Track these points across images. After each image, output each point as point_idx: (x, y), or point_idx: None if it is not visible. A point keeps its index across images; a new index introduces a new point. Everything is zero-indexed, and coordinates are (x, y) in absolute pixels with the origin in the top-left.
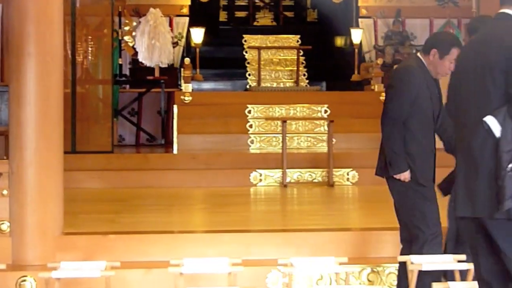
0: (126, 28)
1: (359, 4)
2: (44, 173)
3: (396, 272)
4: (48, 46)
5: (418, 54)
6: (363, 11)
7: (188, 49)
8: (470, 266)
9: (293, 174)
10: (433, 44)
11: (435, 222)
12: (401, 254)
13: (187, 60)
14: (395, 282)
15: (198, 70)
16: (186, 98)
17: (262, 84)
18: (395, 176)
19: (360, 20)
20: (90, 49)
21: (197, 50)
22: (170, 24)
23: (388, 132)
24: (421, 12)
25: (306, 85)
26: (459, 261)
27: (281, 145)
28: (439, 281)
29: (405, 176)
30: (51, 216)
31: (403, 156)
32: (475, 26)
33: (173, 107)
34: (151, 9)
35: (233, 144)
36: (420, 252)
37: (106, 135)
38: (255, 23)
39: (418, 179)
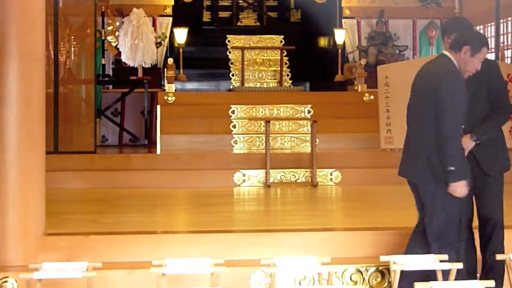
0: (109, 28)
1: (343, 4)
2: (26, 173)
3: (378, 272)
4: (30, 47)
5: (446, 52)
6: (347, 12)
7: (172, 49)
8: (452, 266)
9: (276, 174)
10: (466, 41)
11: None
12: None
13: (170, 60)
14: (377, 282)
15: (181, 70)
16: (170, 98)
17: (246, 85)
18: (455, 183)
19: (343, 20)
20: (73, 49)
21: (181, 50)
22: (154, 24)
23: (454, 146)
24: (404, 12)
25: (289, 86)
26: (441, 261)
27: (264, 145)
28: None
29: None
30: (33, 216)
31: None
32: (449, 28)
33: (156, 107)
34: (134, 9)
35: (216, 145)
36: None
37: (89, 135)
38: (238, 24)
39: None
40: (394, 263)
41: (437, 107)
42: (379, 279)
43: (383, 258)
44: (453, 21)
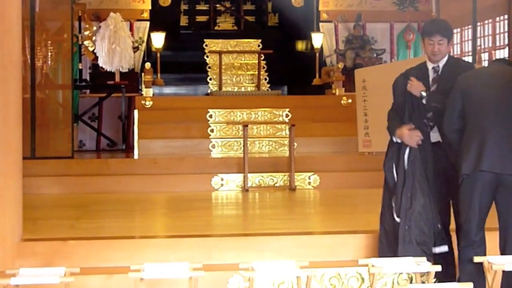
0: (86, 32)
1: (320, 8)
2: (3, 179)
3: (357, 275)
4: (6, 51)
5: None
6: (324, 16)
7: (149, 54)
8: (430, 269)
9: (254, 179)
10: None
11: None
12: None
13: (148, 65)
14: (356, 285)
15: (159, 74)
16: (147, 103)
17: (223, 89)
18: None
19: (321, 24)
20: (49, 54)
21: (158, 54)
22: (131, 29)
23: None
24: (381, 16)
25: (267, 89)
26: (419, 264)
27: (242, 149)
28: None
29: None
30: (10, 222)
31: None
32: (428, 29)
33: (133, 112)
34: (111, 14)
35: (194, 149)
36: None
37: (66, 140)
38: (216, 28)
39: None
40: (373, 266)
41: None
42: (358, 282)
43: (362, 261)
44: (432, 22)
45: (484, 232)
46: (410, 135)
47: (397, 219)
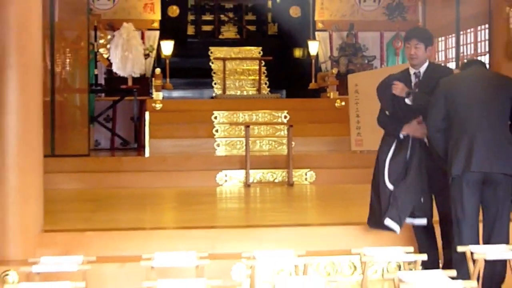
0: (101, 41)
1: (316, 18)
2: (25, 175)
3: (350, 264)
4: (28, 58)
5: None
6: (319, 25)
7: (159, 60)
8: (416, 257)
9: (255, 175)
10: None
11: None
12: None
13: (158, 70)
14: (349, 273)
15: (168, 79)
16: (157, 105)
17: (227, 92)
18: None
19: (316, 33)
20: (68, 60)
21: (167, 61)
22: (142, 37)
23: None
24: (372, 25)
25: (267, 93)
26: (407, 253)
27: (244, 148)
28: None
29: None
30: (32, 215)
31: None
32: (407, 34)
33: (145, 114)
34: (124, 24)
35: (200, 148)
36: None
37: (83, 140)
38: (220, 36)
39: None
40: (364, 255)
41: None
42: (351, 270)
43: (355, 251)
44: (413, 29)
45: (478, 229)
46: (419, 128)
47: (390, 186)
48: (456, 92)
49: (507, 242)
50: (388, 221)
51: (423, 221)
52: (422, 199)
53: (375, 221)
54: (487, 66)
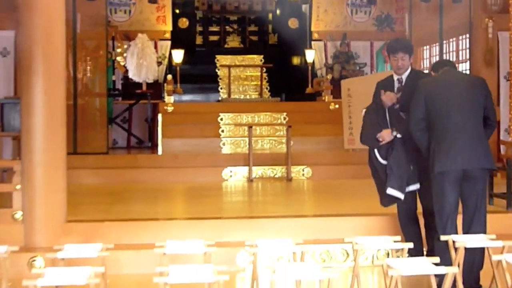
0: (118, 50)
1: (312, 29)
2: (51, 171)
3: (343, 251)
4: (53, 66)
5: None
6: (315, 35)
7: (170, 67)
8: (403, 245)
9: (257, 171)
10: None
11: None
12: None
13: (169, 77)
14: (343, 259)
15: (178, 84)
16: (169, 108)
17: (232, 96)
18: None
19: (313, 42)
20: (88, 67)
21: (178, 68)
22: (155, 47)
23: None
24: (363, 35)
25: (268, 97)
26: (395, 241)
27: (247, 146)
28: None
29: None
30: (56, 206)
31: None
32: (393, 48)
33: (158, 116)
34: (139, 34)
35: (207, 146)
36: None
37: (102, 139)
38: (225, 46)
39: None
40: (356, 243)
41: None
42: (344, 257)
43: (347, 240)
44: (396, 41)
45: (457, 222)
46: (386, 97)
47: (383, 161)
48: (435, 96)
49: (485, 232)
50: (390, 191)
51: (416, 186)
52: (411, 167)
53: (384, 199)
54: (466, 71)
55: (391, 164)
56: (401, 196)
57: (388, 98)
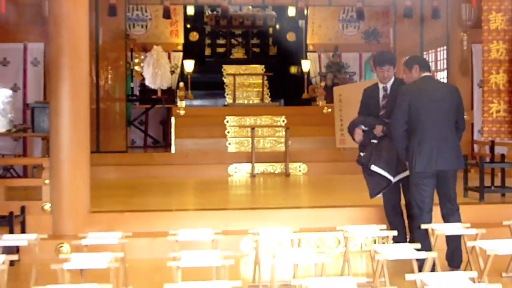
0: (136, 60)
1: (308, 42)
2: (76, 167)
3: (335, 239)
4: (78, 74)
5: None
6: (310, 47)
7: (182, 76)
8: (388, 233)
9: (259, 167)
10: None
11: None
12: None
13: (181, 84)
14: (334, 246)
15: (189, 91)
16: (181, 112)
17: (236, 101)
18: None
19: (308, 54)
20: (109, 76)
21: (189, 76)
22: (169, 57)
23: None
24: (353, 47)
25: (268, 102)
26: (381, 230)
27: (250, 146)
28: None
29: None
30: (81, 199)
31: None
32: (379, 61)
33: (171, 118)
34: (155, 46)
35: (215, 146)
36: None
37: (121, 139)
38: (231, 56)
39: None
40: (347, 231)
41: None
42: (335, 243)
43: (339, 228)
44: (381, 54)
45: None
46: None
47: (374, 140)
48: (419, 104)
49: (460, 221)
50: (374, 168)
51: (406, 173)
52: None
53: (373, 191)
54: (444, 79)
55: (381, 146)
56: (387, 175)
57: (378, 131)
